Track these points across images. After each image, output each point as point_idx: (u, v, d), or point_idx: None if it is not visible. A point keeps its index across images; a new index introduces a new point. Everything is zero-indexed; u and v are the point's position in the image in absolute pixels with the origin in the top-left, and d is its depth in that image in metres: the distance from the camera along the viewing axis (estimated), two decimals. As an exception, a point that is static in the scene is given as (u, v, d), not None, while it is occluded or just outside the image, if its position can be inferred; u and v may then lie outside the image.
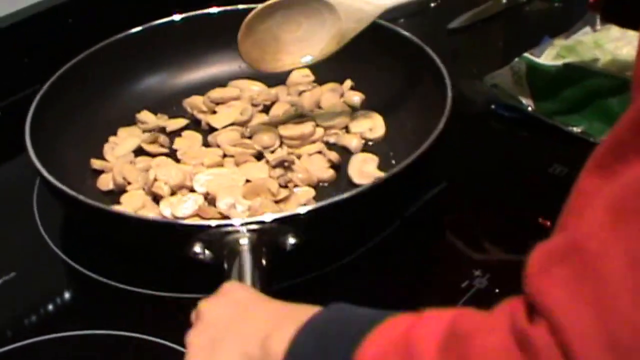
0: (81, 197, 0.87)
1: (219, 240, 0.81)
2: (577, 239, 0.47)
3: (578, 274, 0.46)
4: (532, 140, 1.11)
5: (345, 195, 0.85)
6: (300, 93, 1.15)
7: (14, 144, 0.97)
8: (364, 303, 0.83)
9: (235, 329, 0.67)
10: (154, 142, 1.07)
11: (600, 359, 0.44)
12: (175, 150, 1.06)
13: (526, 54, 1.15)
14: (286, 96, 1.15)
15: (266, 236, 0.82)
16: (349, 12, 0.99)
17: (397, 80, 1.12)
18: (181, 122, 1.12)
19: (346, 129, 1.09)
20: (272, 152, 1.04)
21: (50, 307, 0.91)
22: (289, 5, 0.99)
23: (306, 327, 0.60)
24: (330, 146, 1.06)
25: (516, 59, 1.15)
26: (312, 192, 0.98)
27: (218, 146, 1.06)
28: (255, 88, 1.17)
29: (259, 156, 1.04)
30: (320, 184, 1.00)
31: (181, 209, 0.95)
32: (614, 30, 1.18)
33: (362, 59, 1.14)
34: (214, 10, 1.20)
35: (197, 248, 0.82)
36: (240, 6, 1.17)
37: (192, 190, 0.98)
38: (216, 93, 1.15)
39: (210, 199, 0.97)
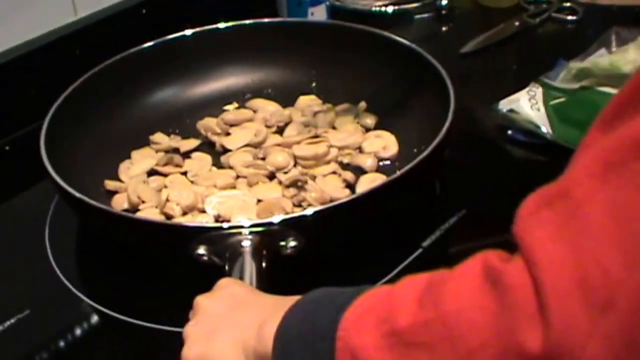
0: (94, 202, 0.89)
1: (222, 242, 0.82)
2: (566, 185, 0.51)
3: (562, 217, 0.49)
4: (550, 165, 1.09)
5: (348, 198, 0.87)
6: (315, 114, 1.15)
7: (23, 178, 0.96)
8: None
9: (231, 320, 0.69)
10: (167, 163, 1.07)
11: (568, 293, 0.46)
12: (187, 172, 1.06)
13: (542, 77, 1.14)
14: (300, 117, 1.15)
15: (268, 239, 0.83)
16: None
17: (408, 99, 1.12)
18: (194, 142, 1.12)
19: (359, 149, 1.08)
20: (286, 172, 1.04)
21: (65, 344, 0.90)
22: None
23: (294, 306, 0.63)
24: (344, 166, 1.06)
25: (532, 83, 1.14)
26: None
27: (231, 167, 1.06)
28: (271, 108, 1.17)
29: (272, 177, 1.04)
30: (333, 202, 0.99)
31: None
32: (631, 52, 1.17)
33: (375, 79, 1.15)
34: (224, 25, 1.21)
35: (201, 250, 0.83)
36: (247, 21, 1.20)
37: (203, 211, 0.98)
38: (230, 115, 1.15)
39: (221, 220, 0.96)
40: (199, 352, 0.68)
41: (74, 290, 0.95)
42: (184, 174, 1.06)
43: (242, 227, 0.82)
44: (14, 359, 0.89)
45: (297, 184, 0.99)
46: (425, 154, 0.90)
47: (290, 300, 0.65)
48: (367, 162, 1.05)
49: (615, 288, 0.45)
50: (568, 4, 1.43)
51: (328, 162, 1.06)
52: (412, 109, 1.11)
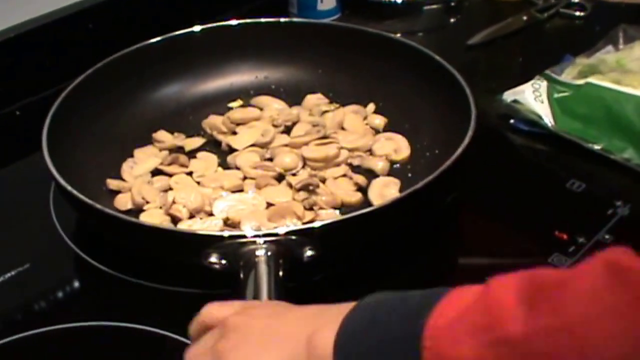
0: (98, 205, 0.87)
1: (235, 251, 0.81)
2: None
3: None
4: (551, 155, 1.10)
5: (361, 212, 0.85)
6: (323, 113, 1.13)
7: (32, 142, 0.96)
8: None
9: (275, 334, 0.63)
10: (172, 163, 1.05)
11: None
12: (192, 172, 1.04)
13: (548, 71, 1.15)
14: (308, 116, 1.12)
15: (283, 248, 0.81)
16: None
17: (419, 100, 1.10)
18: (199, 141, 1.10)
19: (370, 151, 1.06)
20: (294, 174, 1.02)
21: (61, 298, 0.91)
22: None
23: (354, 311, 0.58)
24: (354, 168, 1.04)
25: (537, 76, 1.14)
26: (337, 215, 0.96)
27: (237, 168, 1.04)
28: (277, 106, 1.14)
29: (280, 178, 1.02)
30: (345, 206, 0.98)
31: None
32: (637, 50, 1.17)
33: (384, 80, 1.14)
34: (234, 22, 1.19)
35: (213, 258, 0.82)
36: (263, 19, 1.17)
37: (211, 214, 0.96)
38: (236, 114, 1.13)
39: (230, 224, 0.94)
40: None
41: (74, 247, 0.96)
42: (189, 174, 1.04)
43: (257, 236, 0.80)
44: (12, 309, 0.90)
45: (308, 188, 0.97)
46: (442, 169, 0.89)
47: (340, 307, 0.60)
48: (379, 165, 1.03)
49: None
50: (576, 0, 1.43)
51: (338, 165, 1.03)
52: (423, 111, 1.09)
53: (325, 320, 0.59)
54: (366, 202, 0.98)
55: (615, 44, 1.22)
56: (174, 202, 0.96)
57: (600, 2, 1.42)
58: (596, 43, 1.23)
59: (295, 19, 1.34)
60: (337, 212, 0.96)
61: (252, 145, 1.07)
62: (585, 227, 0.95)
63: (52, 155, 0.93)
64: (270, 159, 1.05)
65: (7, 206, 1.06)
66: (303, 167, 1.03)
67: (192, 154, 1.08)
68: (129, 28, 1.26)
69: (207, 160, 1.06)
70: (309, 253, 0.82)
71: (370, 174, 1.02)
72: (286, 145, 1.06)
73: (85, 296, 0.93)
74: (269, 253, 0.80)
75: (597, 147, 1.07)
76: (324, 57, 1.18)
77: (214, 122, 1.11)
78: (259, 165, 1.03)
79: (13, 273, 0.93)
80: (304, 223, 0.92)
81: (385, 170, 1.03)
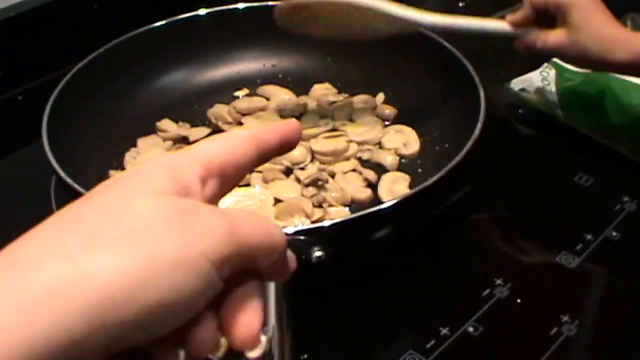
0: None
1: None
2: None
3: None
4: (559, 147, 1.09)
5: (372, 210, 0.82)
6: (331, 104, 1.10)
7: (34, 129, 0.95)
8: (385, 309, 0.82)
9: None
10: None
11: None
12: None
13: (555, 59, 1.13)
14: (315, 107, 1.10)
15: (291, 248, 0.79)
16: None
17: (428, 92, 1.09)
18: (204, 131, 1.08)
19: (379, 144, 1.04)
20: (302, 168, 1.00)
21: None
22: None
23: None
24: (363, 163, 1.02)
25: (545, 64, 1.13)
26: (346, 212, 0.94)
27: None
28: (284, 96, 1.12)
29: (287, 172, 1.00)
30: (354, 203, 0.96)
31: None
32: (646, 39, 1.16)
33: (392, 68, 1.12)
34: (241, 5, 1.16)
35: None
36: (270, 2, 1.13)
37: None
38: (242, 103, 1.11)
39: None
40: None
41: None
42: None
43: None
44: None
45: (317, 183, 0.96)
46: (450, 166, 0.87)
47: None
48: (388, 159, 1.01)
49: None
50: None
51: (347, 158, 1.02)
52: (432, 101, 1.08)
53: None
54: (375, 199, 0.96)
55: (624, 32, 1.21)
56: (178, 197, 0.94)
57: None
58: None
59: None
60: (347, 209, 0.95)
61: (259, 136, 1.05)
62: (592, 223, 0.94)
63: (53, 146, 0.91)
64: (278, 152, 1.03)
65: (6, 198, 1.04)
66: (311, 160, 1.01)
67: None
68: (133, 8, 1.24)
69: (212, 152, 1.04)
70: (317, 253, 0.81)
71: (380, 169, 1.01)
72: (293, 137, 1.04)
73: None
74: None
75: (604, 138, 1.06)
76: (332, 44, 1.14)
77: (219, 111, 1.10)
78: (266, 158, 1.01)
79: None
80: (313, 221, 0.91)
81: (394, 165, 1.01)
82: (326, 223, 0.81)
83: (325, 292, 0.87)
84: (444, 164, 0.88)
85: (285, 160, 1.00)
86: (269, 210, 0.92)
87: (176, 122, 1.09)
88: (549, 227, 0.96)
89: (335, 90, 1.13)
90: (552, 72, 1.11)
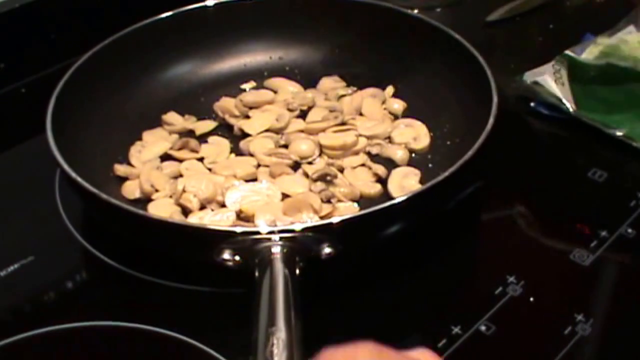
0: (105, 196, 0.83)
1: (249, 248, 0.77)
2: None
3: None
4: (572, 141, 1.07)
5: (382, 205, 0.80)
6: (339, 98, 1.09)
7: (38, 122, 0.94)
8: (395, 307, 0.81)
9: None
10: (182, 147, 1.01)
11: None
12: (203, 158, 1.00)
13: (568, 52, 1.12)
14: (324, 101, 1.08)
15: (299, 245, 0.77)
16: None
17: (438, 82, 1.07)
18: (210, 125, 1.06)
19: (389, 138, 1.02)
20: (310, 163, 0.98)
21: (66, 294, 0.88)
22: None
23: None
24: (373, 157, 1.00)
25: (557, 57, 1.11)
26: (356, 208, 0.92)
27: (250, 154, 1.00)
28: (292, 89, 1.11)
29: (295, 166, 0.98)
30: (363, 198, 0.94)
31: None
32: (660, 31, 1.15)
33: (401, 60, 1.10)
34: None
35: (226, 255, 0.78)
36: None
37: (223, 205, 0.92)
38: (249, 96, 1.09)
39: (243, 217, 0.90)
40: None
41: (80, 238, 0.93)
42: (200, 159, 1.00)
43: (272, 232, 0.76)
44: (15, 304, 0.88)
45: (325, 178, 0.94)
46: (461, 162, 0.85)
47: None
48: (398, 154, 0.99)
49: None
50: (598, -23, 1.40)
51: (356, 153, 1.00)
52: (442, 94, 1.06)
53: None
54: (385, 194, 0.95)
55: (637, 24, 1.20)
56: (184, 191, 0.92)
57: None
58: (617, 23, 1.20)
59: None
60: (356, 205, 0.93)
61: (267, 130, 1.03)
62: (607, 219, 0.93)
63: (57, 139, 0.89)
64: (285, 146, 1.01)
65: (10, 192, 1.03)
66: (320, 155, 1.00)
67: (203, 138, 1.04)
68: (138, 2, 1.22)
69: (219, 146, 1.03)
70: (327, 250, 0.79)
71: (389, 163, 0.99)
72: (302, 131, 1.02)
73: (92, 292, 0.89)
74: (285, 250, 0.76)
75: (619, 133, 1.04)
76: (340, 36, 1.14)
77: (226, 105, 1.08)
78: (274, 152, 0.99)
79: (16, 266, 0.91)
80: (321, 217, 0.89)
81: (404, 159, 0.99)
82: (335, 219, 0.79)
83: (334, 289, 0.86)
84: (455, 158, 0.86)
85: (294, 154, 0.98)
86: (276, 207, 0.90)
87: (182, 115, 1.08)
88: (562, 224, 0.94)
89: (343, 83, 1.11)
90: (564, 65, 1.10)
